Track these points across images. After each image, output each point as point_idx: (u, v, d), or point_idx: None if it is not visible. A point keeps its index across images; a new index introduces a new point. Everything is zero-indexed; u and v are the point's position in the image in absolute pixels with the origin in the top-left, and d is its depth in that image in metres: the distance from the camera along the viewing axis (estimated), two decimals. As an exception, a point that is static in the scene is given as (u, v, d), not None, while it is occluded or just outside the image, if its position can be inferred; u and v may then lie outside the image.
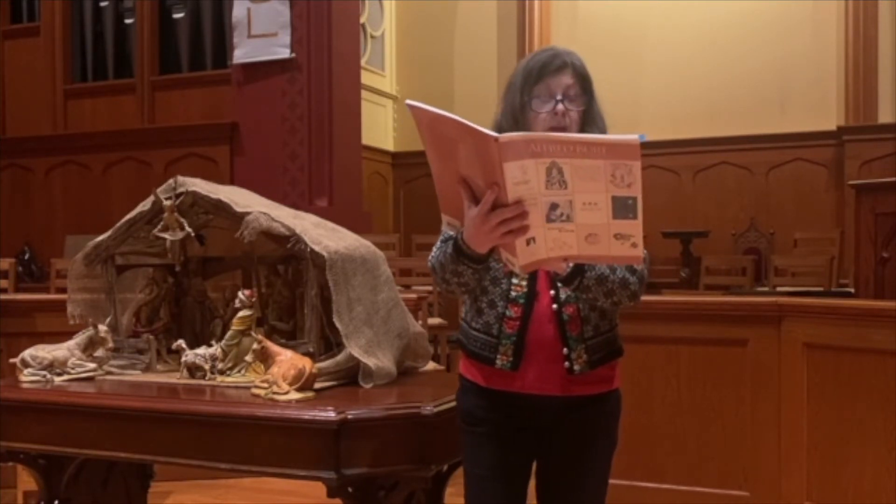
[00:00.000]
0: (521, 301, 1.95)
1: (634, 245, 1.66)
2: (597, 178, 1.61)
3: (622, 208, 1.63)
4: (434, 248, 1.97)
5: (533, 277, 1.95)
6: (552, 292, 1.95)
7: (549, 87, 1.91)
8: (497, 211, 1.65)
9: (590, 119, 1.96)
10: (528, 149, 1.59)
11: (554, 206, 1.64)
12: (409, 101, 1.71)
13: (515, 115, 1.94)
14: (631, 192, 1.62)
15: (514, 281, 1.96)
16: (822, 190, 8.52)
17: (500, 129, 1.93)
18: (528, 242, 1.68)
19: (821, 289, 6.02)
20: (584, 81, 1.94)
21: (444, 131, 1.68)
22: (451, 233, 1.88)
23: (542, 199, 1.63)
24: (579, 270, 1.87)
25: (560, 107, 1.91)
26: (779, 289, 6.09)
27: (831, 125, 8.38)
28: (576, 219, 1.64)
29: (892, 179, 4.99)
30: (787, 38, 8.57)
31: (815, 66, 8.53)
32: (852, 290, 5.60)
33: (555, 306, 1.95)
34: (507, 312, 1.95)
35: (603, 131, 1.97)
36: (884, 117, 8.20)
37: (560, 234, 1.66)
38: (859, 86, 8.28)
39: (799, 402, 3.58)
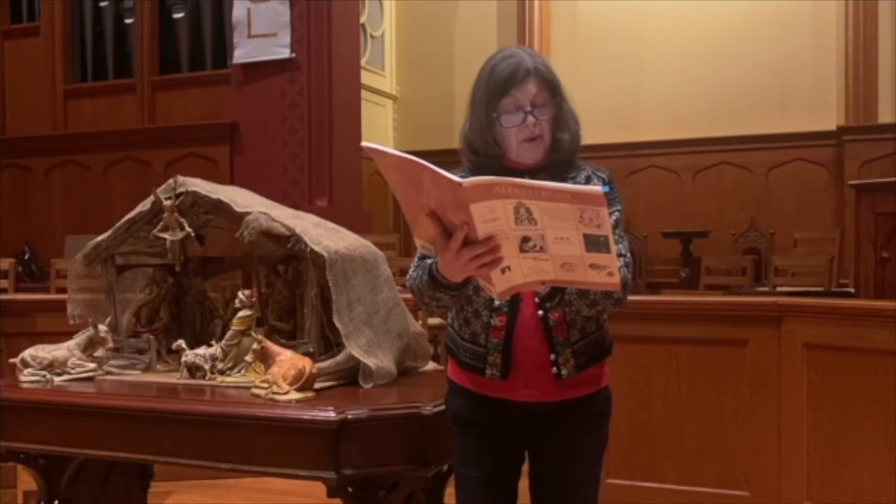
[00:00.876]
0: (505, 310, 1.94)
1: (610, 274, 1.66)
2: (566, 219, 1.61)
3: (594, 244, 1.63)
4: (411, 268, 1.95)
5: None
6: (537, 299, 1.93)
7: (515, 100, 1.87)
8: (468, 247, 1.65)
9: (561, 123, 1.93)
10: (492, 191, 1.59)
11: (526, 239, 1.64)
12: (365, 143, 1.71)
13: (484, 132, 1.90)
14: (601, 232, 1.61)
15: None
16: (822, 190, 8.51)
17: (469, 145, 1.92)
18: (503, 271, 1.69)
19: (821, 289, 6.01)
20: (550, 86, 1.90)
21: (406, 170, 1.67)
22: (426, 253, 1.86)
23: (512, 234, 1.64)
24: (558, 288, 1.86)
25: (530, 119, 1.87)
26: (779, 289, 6.08)
27: (831, 125, 8.38)
28: (549, 250, 1.65)
29: (892, 179, 4.99)
30: (787, 38, 8.56)
31: (815, 66, 8.52)
32: (852, 290, 5.60)
33: (540, 312, 1.93)
34: (493, 321, 1.94)
35: (575, 132, 1.94)
36: (884, 117, 8.19)
37: (535, 262, 1.67)
38: (859, 86, 8.28)
39: (799, 402, 3.58)
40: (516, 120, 1.87)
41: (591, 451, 2.04)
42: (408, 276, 1.96)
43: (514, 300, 1.93)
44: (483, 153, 1.93)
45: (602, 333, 2.01)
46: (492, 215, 1.61)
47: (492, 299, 1.92)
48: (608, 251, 1.63)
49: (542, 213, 1.60)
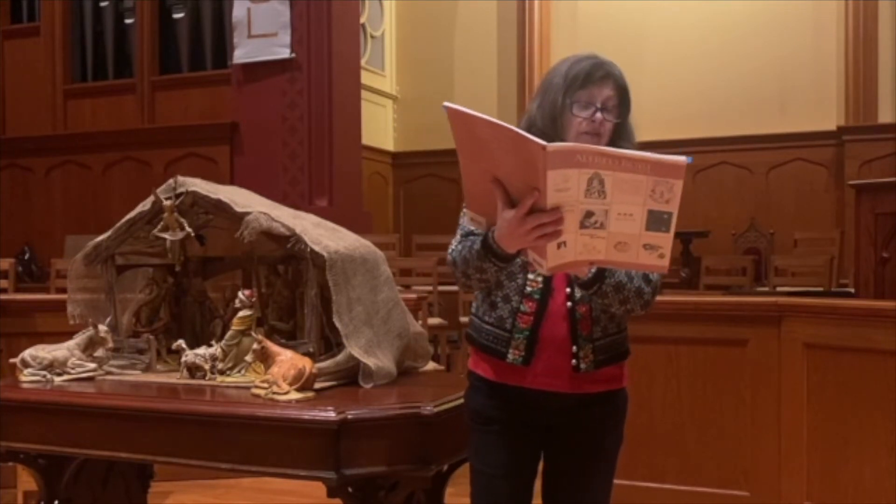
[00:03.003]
0: (536, 297, 1.98)
1: (662, 256, 1.70)
2: (637, 192, 1.64)
3: (656, 221, 1.66)
4: (454, 242, 1.98)
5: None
6: (567, 290, 1.98)
7: (591, 94, 1.94)
8: (535, 215, 1.67)
9: (623, 132, 1.99)
10: (574, 159, 1.62)
11: (589, 214, 1.66)
12: (446, 104, 1.72)
13: (554, 114, 1.96)
14: (668, 208, 1.65)
15: (530, 276, 1.98)
16: (822, 190, 8.51)
17: (534, 126, 1.96)
18: (558, 246, 1.70)
19: (821, 289, 6.01)
20: (623, 94, 1.97)
21: (479, 133, 1.69)
22: (472, 227, 1.91)
23: (579, 207, 1.65)
24: (599, 276, 1.89)
25: (598, 115, 1.94)
26: (779, 289, 6.08)
27: (831, 125, 8.38)
28: (609, 227, 1.67)
29: (892, 179, 4.99)
30: (787, 38, 8.57)
31: (815, 66, 8.53)
32: (852, 290, 5.59)
33: (569, 304, 1.97)
34: (522, 307, 1.98)
35: (634, 146, 1.97)
36: (884, 117, 8.19)
37: (591, 239, 1.69)
38: (859, 86, 8.28)
39: (799, 402, 3.58)
40: (587, 112, 1.94)
41: (606, 449, 2.07)
42: (449, 250, 1.99)
43: (546, 289, 1.97)
44: (543, 135, 1.96)
45: (622, 337, 2.05)
46: (565, 185, 1.63)
47: (524, 286, 1.97)
48: (667, 230, 1.66)
49: (615, 186, 1.63)
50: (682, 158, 1.65)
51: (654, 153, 1.66)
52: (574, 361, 1.97)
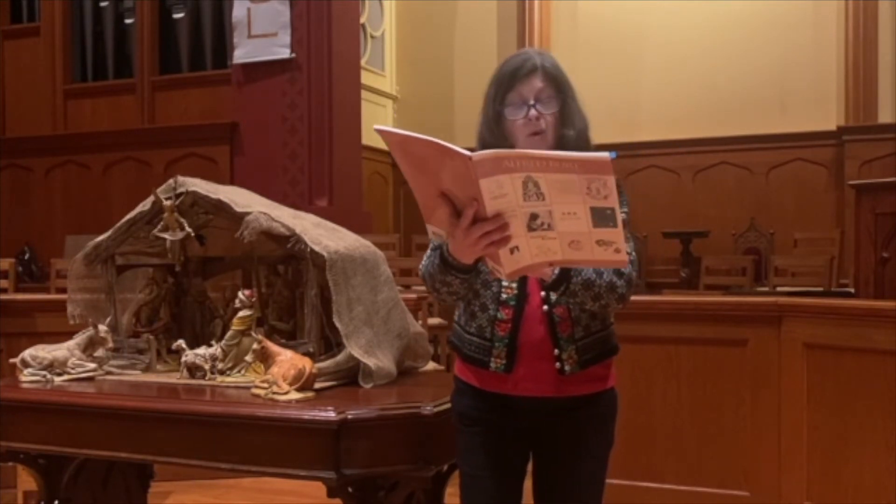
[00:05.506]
0: (512, 303, 1.96)
1: (617, 251, 1.68)
2: (573, 191, 1.62)
3: (602, 218, 1.64)
4: (424, 258, 1.99)
5: (523, 280, 1.95)
6: (542, 294, 1.96)
7: (520, 93, 1.91)
8: (477, 224, 1.67)
9: (567, 120, 1.95)
10: (501, 165, 1.61)
11: (534, 216, 1.65)
12: (377, 127, 1.73)
13: (491, 125, 1.94)
14: (608, 204, 1.62)
15: (504, 284, 1.96)
16: (822, 190, 8.51)
17: (482, 141, 1.95)
18: (511, 251, 1.70)
19: (821, 289, 6.02)
20: (556, 82, 1.94)
21: (414, 150, 1.69)
22: (437, 240, 1.89)
23: (521, 211, 1.65)
24: (565, 276, 1.87)
25: (533, 112, 1.91)
26: (779, 289, 6.08)
27: (831, 125, 8.38)
28: (557, 227, 1.66)
29: (892, 179, 4.99)
30: (787, 38, 8.56)
31: (815, 66, 8.52)
32: (852, 290, 5.59)
33: (545, 307, 1.95)
34: (499, 315, 1.96)
35: (583, 130, 1.96)
36: (884, 117, 8.19)
37: (543, 241, 1.68)
38: (859, 86, 8.28)
39: (799, 402, 3.58)
40: (520, 113, 1.91)
41: (595, 451, 2.05)
42: (420, 266, 1.99)
43: (521, 294, 1.96)
44: (494, 148, 1.95)
45: (608, 333, 2.03)
46: (501, 191, 1.63)
47: (499, 293, 1.96)
48: (615, 225, 1.64)
49: (550, 187, 1.61)
50: (605, 154, 1.60)
51: (578, 152, 1.63)
52: (558, 364, 1.95)
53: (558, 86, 1.94)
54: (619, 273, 1.90)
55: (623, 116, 8.90)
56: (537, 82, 1.91)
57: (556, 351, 1.95)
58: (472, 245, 1.70)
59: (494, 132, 1.93)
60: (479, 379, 2.01)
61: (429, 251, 1.97)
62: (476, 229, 1.67)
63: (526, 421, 2.01)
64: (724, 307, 3.88)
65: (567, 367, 1.95)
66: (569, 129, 1.94)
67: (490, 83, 1.97)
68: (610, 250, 1.67)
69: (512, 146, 1.93)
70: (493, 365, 1.97)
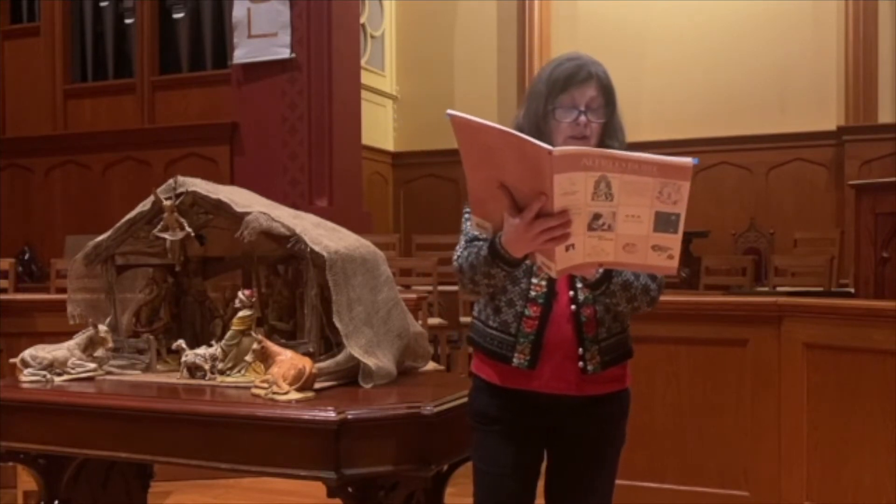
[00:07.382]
0: (541, 301, 1.98)
1: (671, 257, 1.70)
2: (643, 194, 1.64)
3: (664, 223, 1.67)
4: (458, 249, 1.99)
5: (552, 278, 1.96)
6: (571, 293, 1.98)
7: (573, 97, 1.94)
8: (542, 219, 1.68)
9: (610, 131, 1.99)
10: (581, 163, 1.62)
11: (597, 216, 1.67)
12: (450, 112, 1.72)
13: (538, 121, 1.96)
14: (676, 209, 1.66)
15: (534, 280, 1.98)
16: (822, 190, 8.51)
17: (521, 132, 1.95)
18: (567, 248, 1.70)
19: (821, 289, 6.01)
20: (607, 93, 1.97)
21: (483, 140, 1.69)
22: (477, 233, 1.91)
23: (586, 209, 1.66)
24: (607, 276, 1.90)
25: (582, 118, 1.93)
26: (779, 289, 6.08)
27: (831, 125, 8.38)
28: (617, 229, 1.67)
29: (892, 179, 4.99)
30: (787, 38, 8.56)
31: (815, 66, 8.52)
32: (852, 290, 5.60)
33: (573, 307, 1.98)
34: (526, 311, 1.98)
35: (623, 144, 1.98)
36: (884, 117, 8.19)
37: (599, 241, 1.69)
38: (859, 86, 8.27)
39: (799, 402, 3.58)
40: (570, 116, 1.93)
41: (609, 449, 2.08)
42: (455, 257, 1.99)
43: (550, 293, 1.97)
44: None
45: (626, 336, 2.06)
46: (572, 188, 1.63)
47: (528, 290, 1.97)
48: (675, 231, 1.67)
49: (622, 189, 1.63)
50: (688, 160, 1.65)
51: (660, 155, 1.66)
52: (581, 364, 1.97)
53: (608, 97, 1.97)
54: (653, 277, 1.94)
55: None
56: (590, 91, 1.94)
57: (581, 350, 1.97)
58: (532, 239, 1.70)
59: (540, 128, 1.94)
60: (499, 376, 2.02)
61: (463, 242, 1.98)
62: (539, 223, 1.68)
63: (545, 419, 2.02)
64: (724, 307, 3.89)
65: (590, 367, 1.98)
66: (612, 140, 1.97)
67: (539, 80, 1.98)
68: (664, 256, 1.70)
69: (551, 144, 1.94)
70: (516, 361, 1.98)
